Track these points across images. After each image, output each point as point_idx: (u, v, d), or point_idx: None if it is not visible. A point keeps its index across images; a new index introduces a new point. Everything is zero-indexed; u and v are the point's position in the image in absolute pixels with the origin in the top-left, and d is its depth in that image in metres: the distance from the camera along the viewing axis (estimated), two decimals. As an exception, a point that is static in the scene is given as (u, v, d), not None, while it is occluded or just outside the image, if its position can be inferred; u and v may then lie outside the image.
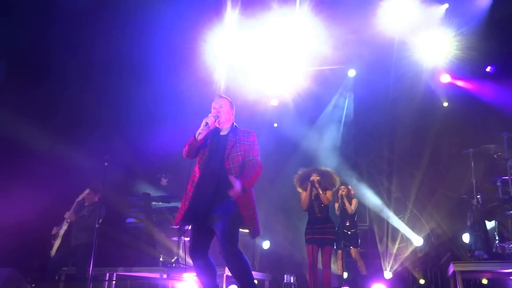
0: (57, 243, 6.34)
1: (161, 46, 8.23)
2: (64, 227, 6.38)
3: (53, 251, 6.31)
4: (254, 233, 4.05)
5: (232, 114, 4.14)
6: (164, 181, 8.34)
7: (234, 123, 4.15)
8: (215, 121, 3.95)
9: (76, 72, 8.08)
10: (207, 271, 3.92)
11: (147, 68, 8.36)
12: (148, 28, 8.08)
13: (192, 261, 3.95)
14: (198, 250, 3.94)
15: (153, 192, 7.98)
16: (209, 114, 3.97)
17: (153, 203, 7.74)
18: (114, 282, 6.70)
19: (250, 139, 4.04)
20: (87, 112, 8.23)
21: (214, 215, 3.83)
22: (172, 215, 7.70)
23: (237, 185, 3.72)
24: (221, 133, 4.07)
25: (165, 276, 6.43)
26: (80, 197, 6.46)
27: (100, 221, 5.74)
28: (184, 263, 7.08)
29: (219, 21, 8.48)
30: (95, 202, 6.52)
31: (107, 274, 6.66)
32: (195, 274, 4.07)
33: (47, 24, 7.46)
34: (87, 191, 6.48)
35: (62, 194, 6.90)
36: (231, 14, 8.44)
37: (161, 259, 6.86)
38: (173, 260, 6.91)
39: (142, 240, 7.33)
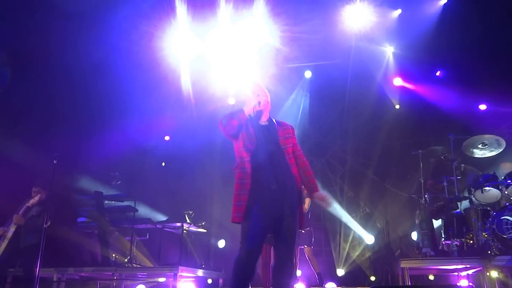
0: (4, 245, 6.06)
1: (117, 43, 8.04)
2: (12, 229, 6.10)
3: (-1, 252, 6.03)
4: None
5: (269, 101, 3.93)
6: (116, 181, 8.17)
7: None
8: (252, 111, 3.71)
9: (25, 67, 7.75)
10: (251, 277, 3.54)
11: (102, 64, 8.13)
12: (104, 24, 7.88)
13: (251, 262, 3.50)
14: (258, 252, 3.54)
15: (106, 191, 7.79)
16: (249, 103, 3.73)
17: (106, 202, 7.56)
18: (63, 283, 6.49)
19: (293, 132, 3.93)
20: (35, 107, 7.93)
21: (285, 211, 3.54)
22: (125, 214, 7.56)
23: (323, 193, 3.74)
24: (262, 123, 3.83)
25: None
26: (31, 203, 6.20)
27: (49, 223, 5.55)
28: (137, 262, 6.97)
29: (174, 17, 8.37)
30: (43, 201, 6.29)
31: (56, 275, 6.44)
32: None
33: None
34: (37, 197, 6.23)
35: (8, 192, 6.60)
36: (184, 11, 8.35)
37: (112, 259, 6.71)
38: (126, 260, 6.78)
39: (94, 240, 7.15)
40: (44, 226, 5.38)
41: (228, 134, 3.72)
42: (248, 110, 3.72)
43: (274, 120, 3.92)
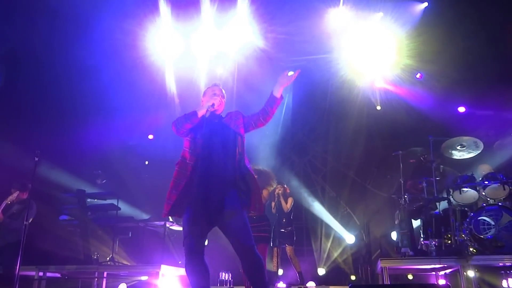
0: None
1: (102, 41, 7.98)
2: None
3: (-22, 250, 5.95)
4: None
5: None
6: (101, 180, 8.11)
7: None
8: (215, 106, 3.86)
9: (8, 64, 7.64)
10: (204, 271, 3.66)
11: (86, 62, 8.06)
12: (89, 22, 7.81)
13: (190, 259, 3.61)
14: (201, 247, 3.63)
15: (89, 189, 7.73)
16: (213, 99, 3.89)
17: (89, 200, 7.50)
18: (44, 281, 6.42)
19: (239, 112, 3.99)
20: (18, 104, 7.82)
21: (226, 206, 3.58)
22: (108, 212, 7.53)
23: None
24: (215, 120, 3.93)
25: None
26: (9, 200, 6.13)
27: (30, 220, 5.50)
28: (119, 261, 6.95)
29: (158, 16, 8.35)
30: (24, 200, 6.23)
31: (37, 273, 6.37)
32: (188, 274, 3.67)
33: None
34: (15, 194, 6.16)
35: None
36: (168, 10, 8.33)
37: (94, 257, 6.67)
38: (108, 258, 6.75)
39: (76, 238, 7.08)
40: (25, 223, 5.32)
41: (181, 135, 3.84)
42: (202, 112, 3.81)
43: (222, 115, 4.02)
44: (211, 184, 3.60)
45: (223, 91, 4.11)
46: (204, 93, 4.12)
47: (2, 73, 7.72)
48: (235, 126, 3.86)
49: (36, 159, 5.42)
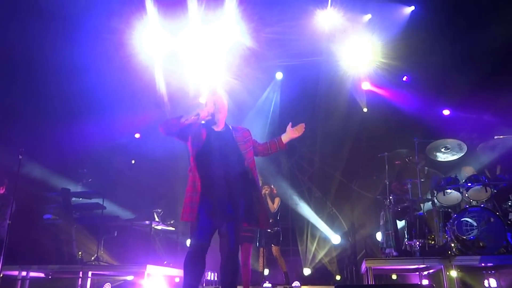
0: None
1: (89, 39, 7.90)
2: None
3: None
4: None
5: (227, 110, 4.14)
6: (87, 179, 8.04)
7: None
8: (206, 116, 3.93)
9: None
10: (202, 270, 3.94)
11: (73, 61, 7.98)
12: (75, 21, 7.74)
13: (196, 257, 3.87)
14: (207, 247, 3.88)
15: (74, 188, 7.66)
16: (205, 108, 3.96)
17: (73, 199, 7.44)
18: (27, 280, 6.34)
19: (250, 134, 4.16)
20: (3, 103, 7.70)
21: (229, 213, 3.85)
22: (93, 211, 7.46)
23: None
24: (217, 129, 4.05)
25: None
26: None
27: (7, 217, 5.43)
28: (104, 260, 6.90)
29: (145, 15, 8.30)
30: (2, 196, 6.15)
31: (20, 273, 6.29)
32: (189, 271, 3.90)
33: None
34: None
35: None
36: (155, 9, 8.29)
37: (79, 256, 6.61)
38: (93, 258, 6.69)
39: (60, 237, 7.00)
40: (8, 222, 5.26)
41: (168, 134, 3.98)
42: (203, 116, 3.92)
43: (230, 127, 4.13)
44: (232, 194, 3.87)
45: (220, 96, 4.14)
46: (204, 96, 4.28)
47: None
48: (243, 149, 4.03)
49: (20, 157, 5.37)
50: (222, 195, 3.84)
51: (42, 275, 6.53)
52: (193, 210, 3.82)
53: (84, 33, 7.79)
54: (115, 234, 7.65)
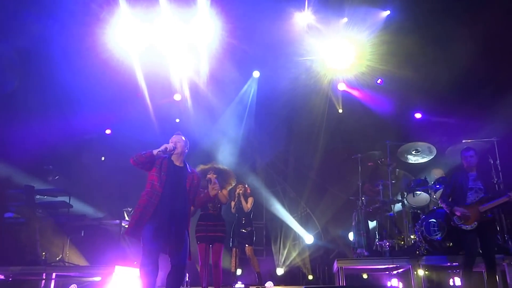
0: None
1: (58, 30, 7.67)
2: None
3: None
4: None
5: (186, 151, 4.83)
6: (54, 176, 7.81)
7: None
8: (172, 150, 4.64)
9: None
10: (156, 273, 4.47)
11: (40, 53, 7.74)
12: (44, 10, 7.50)
13: (151, 263, 4.41)
14: (158, 255, 4.45)
15: (39, 185, 7.41)
16: (170, 143, 4.68)
17: (38, 196, 7.20)
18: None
19: (199, 181, 4.90)
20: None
21: (177, 232, 4.49)
22: (59, 210, 7.25)
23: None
24: (177, 163, 4.75)
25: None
26: None
27: None
28: (70, 261, 6.71)
29: (118, 9, 8.12)
30: None
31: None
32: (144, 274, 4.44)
33: None
34: None
35: None
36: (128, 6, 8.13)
37: (43, 257, 6.40)
38: (57, 259, 6.50)
39: (23, 237, 6.77)
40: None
41: (138, 165, 4.59)
42: (169, 148, 4.65)
43: (187, 166, 4.85)
44: (172, 213, 4.52)
45: (180, 138, 4.87)
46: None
47: None
48: (190, 187, 4.75)
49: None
50: (166, 221, 4.44)
51: (1, 277, 6.28)
52: (136, 227, 4.44)
53: (55, 22, 7.54)
54: (82, 234, 7.46)
